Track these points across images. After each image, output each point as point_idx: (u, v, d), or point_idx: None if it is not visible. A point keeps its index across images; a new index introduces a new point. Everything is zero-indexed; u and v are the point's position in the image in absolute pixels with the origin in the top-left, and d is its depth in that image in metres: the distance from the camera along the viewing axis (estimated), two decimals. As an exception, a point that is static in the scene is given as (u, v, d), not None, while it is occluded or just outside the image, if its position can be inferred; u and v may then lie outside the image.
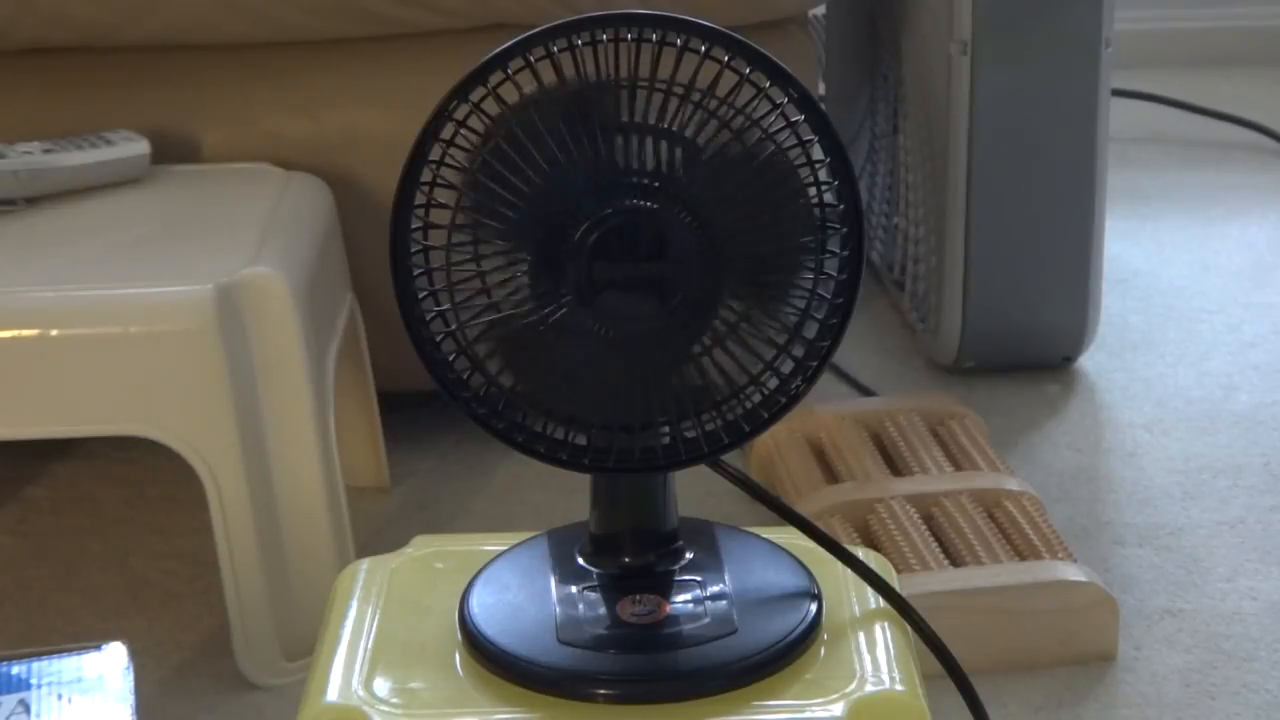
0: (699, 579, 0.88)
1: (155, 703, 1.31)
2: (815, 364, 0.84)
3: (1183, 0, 2.79)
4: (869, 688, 0.84)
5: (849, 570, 0.91)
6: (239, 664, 1.32)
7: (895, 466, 1.53)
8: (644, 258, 0.81)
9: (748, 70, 0.81)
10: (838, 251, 0.83)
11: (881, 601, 0.90)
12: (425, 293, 0.83)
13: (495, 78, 0.81)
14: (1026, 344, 1.79)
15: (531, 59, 0.81)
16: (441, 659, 0.86)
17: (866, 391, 1.75)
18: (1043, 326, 1.78)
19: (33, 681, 0.99)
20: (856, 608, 0.90)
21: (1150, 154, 2.42)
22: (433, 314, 0.83)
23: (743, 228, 0.81)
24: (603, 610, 0.87)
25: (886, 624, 0.89)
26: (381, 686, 0.85)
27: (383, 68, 1.57)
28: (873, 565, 0.91)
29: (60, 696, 0.98)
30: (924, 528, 1.41)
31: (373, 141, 1.55)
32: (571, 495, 1.49)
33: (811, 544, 0.91)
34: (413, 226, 0.82)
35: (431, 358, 0.84)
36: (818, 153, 0.81)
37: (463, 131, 0.81)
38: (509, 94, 0.81)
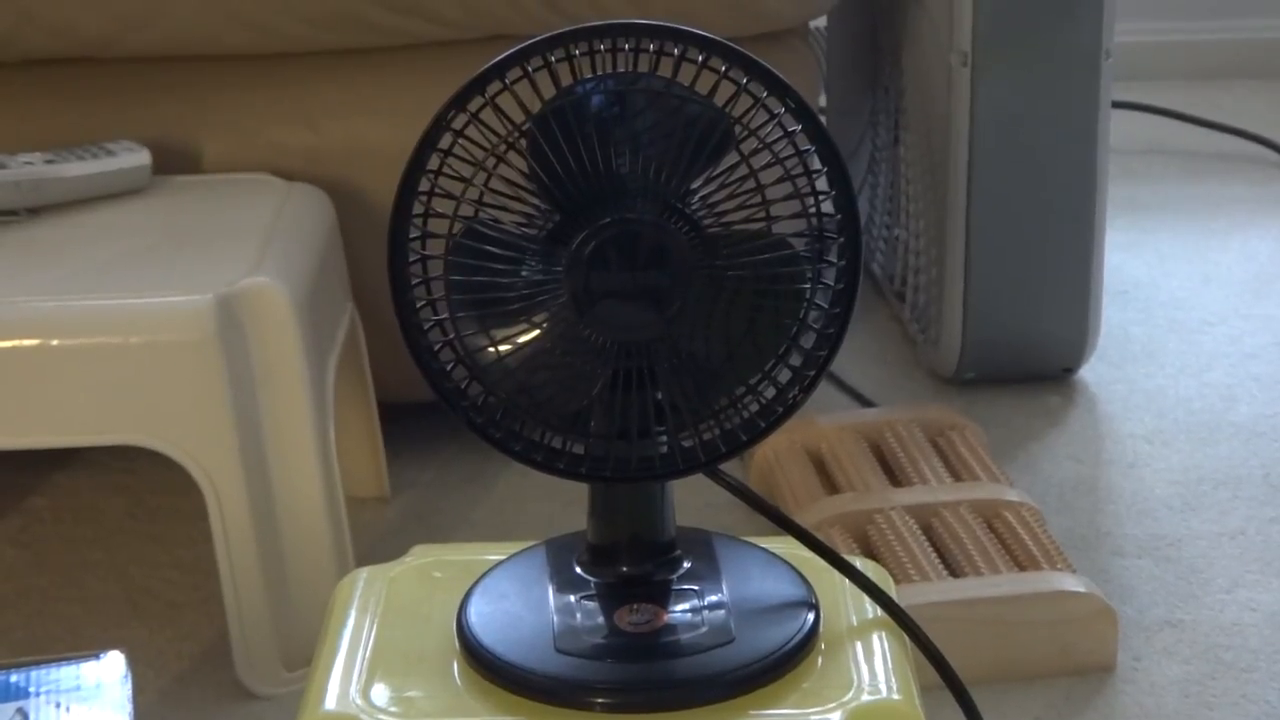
0: (696, 588, 0.88)
1: (155, 712, 1.31)
2: (813, 373, 0.84)
3: (1183, 12, 2.79)
4: (866, 697, 0.84)
5: (847, 580, 0.91)
6: (238, 673, 1.33)
7: (895, 477, 1.53)
8: (641, 267, 0.81)
9: (745, 80, 0.81)
10: (835, 261, 0.83)
11: (879, 611, 0.90)
12: (423, 302, 0.83)
13: (493, 88, 0.81)
14: (1027, 355, 1.79)
15: (529, 69, 0.81)
16: (439, 668, 0.86)
17: (866, 402, 1.75)
18: (1043, 338, 1.78)
19: (31, 690, 0.99)
20: (854, 618, 0.90)
21: (1151, 166, 2.42)
22: (430, 323, 0.83)
23: (739, 237, 0.81)
24: (600, 619, 0.87)
25: (884, 634, 0.89)
26: (379, 695, 0.85)
27: (383, 79, 1.57)
28: (871, 575, 0.91)
29: (58, 705, 0.98)
30: (923, 538, 1.41)
31: (373, 152, 1.55)
32: (571, 506, 1.49)
33: (810, 554, 0.91)
34: (411, 236, 0.82)
35: (429, 367, 0.84)
36: (815, 162, 0.82)
37: (460, 141, 0.81)
38: (507, 104, 0.81)
